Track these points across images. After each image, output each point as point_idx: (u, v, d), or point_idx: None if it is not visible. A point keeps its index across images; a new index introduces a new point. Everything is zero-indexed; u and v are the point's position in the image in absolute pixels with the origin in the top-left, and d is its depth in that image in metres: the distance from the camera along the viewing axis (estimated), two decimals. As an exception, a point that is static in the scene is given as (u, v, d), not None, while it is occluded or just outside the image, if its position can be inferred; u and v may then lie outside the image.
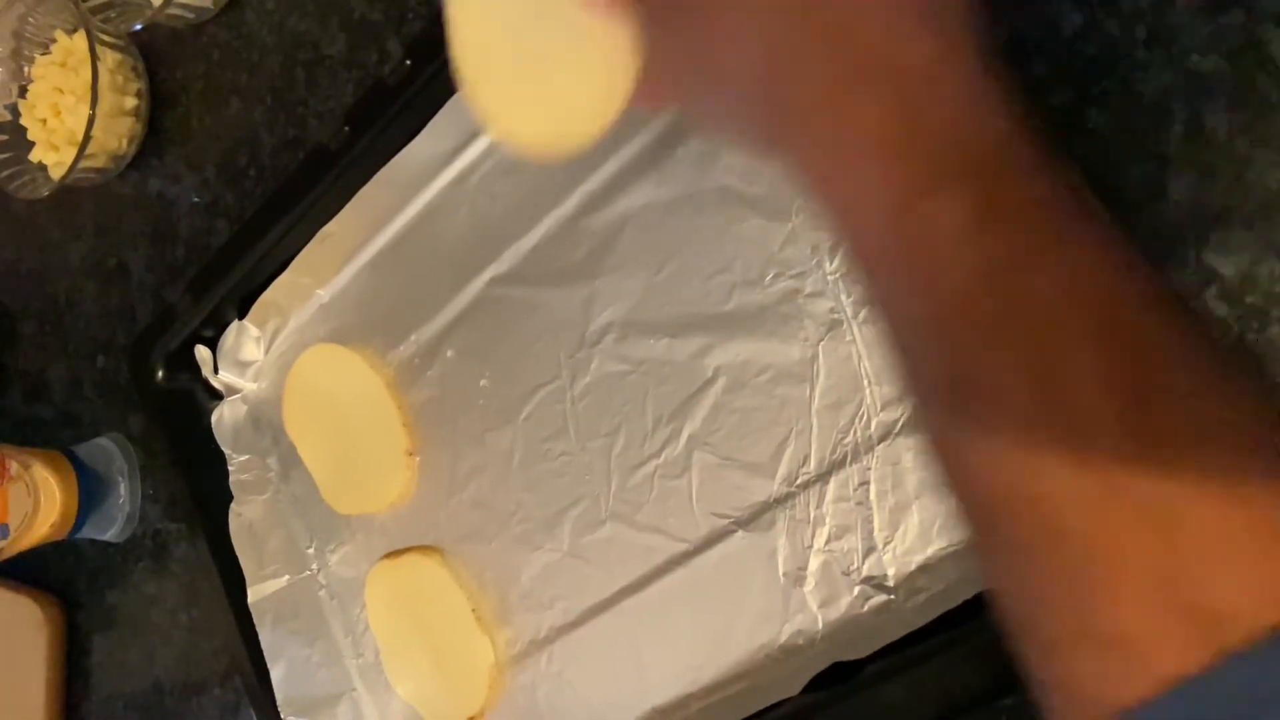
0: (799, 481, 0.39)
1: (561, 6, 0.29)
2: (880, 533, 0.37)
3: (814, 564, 0.39)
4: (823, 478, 0.39)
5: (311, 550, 0.54)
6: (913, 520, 0.37)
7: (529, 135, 0.32)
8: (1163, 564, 0.16)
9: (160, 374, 0.56)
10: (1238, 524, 0.16)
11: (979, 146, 0.18)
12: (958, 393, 0.18)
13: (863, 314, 0.38)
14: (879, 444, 0.38)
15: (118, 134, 0.60)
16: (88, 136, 0.57)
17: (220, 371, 0.56)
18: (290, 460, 0.54)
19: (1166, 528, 0.16)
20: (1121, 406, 0.16)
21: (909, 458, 0.37)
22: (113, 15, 0.59)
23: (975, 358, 0.17)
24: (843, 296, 0.39)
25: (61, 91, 0.62)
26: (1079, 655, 0.17)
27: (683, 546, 0.42)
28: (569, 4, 0.29)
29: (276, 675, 0.52)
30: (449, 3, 0.31)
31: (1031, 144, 0.18)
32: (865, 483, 0.38)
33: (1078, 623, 0.17)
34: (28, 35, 0.63)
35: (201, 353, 0.55)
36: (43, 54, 0.63)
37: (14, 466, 0.59)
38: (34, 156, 0.63)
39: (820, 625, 0.39)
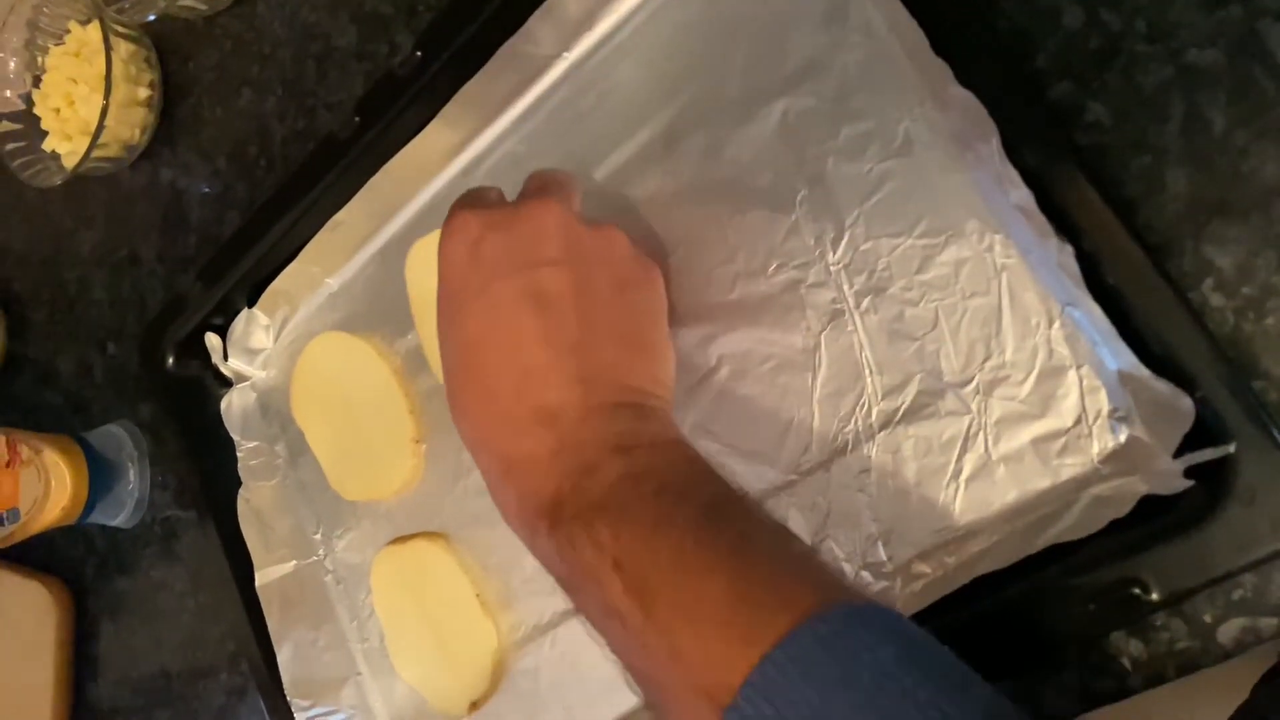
0: (801, 469, 0.40)
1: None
2: (881, 519, 0.38)
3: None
4: (824, 465, 0.39)
5: (318, 536, 0.54)
6: (913, 507, 0.37)
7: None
8: (684, 678, 0.29)
9: (170, 361, 0.57)
10: (711, 648, 0.28)
11: (545, 506, 0.34)
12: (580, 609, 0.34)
13: (864, 304, 0.39)
14: (880, 432, 0.38)
15: (130, 124, 0.61)
16: (101, 126, 0.58)
17: (230, 359, 0.56)
18: (298, 447, 0.55)
19: (677, 659, 0.29)
20: (633, 603, 0.30)
21: (909, 446, 0.37)
22: (126, 6, 0.59)
23: (576, 599, 0.34)
24: (845, 287, 0.39)
25: (75, 81, 0.63)
26: None
27: (685, 533, 0.42)
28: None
29: (283, 659, 0.52)
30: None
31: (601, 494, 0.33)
32: (866, 470, 0.38)
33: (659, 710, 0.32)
34: (42, 25, 0.63)
35: (211, 340, 0.56)
36: (57, 44, 0.64)
37: (25, 451, 0.59)
38: (47, 146, 0.64)
39: (820, 611, 0.39)
